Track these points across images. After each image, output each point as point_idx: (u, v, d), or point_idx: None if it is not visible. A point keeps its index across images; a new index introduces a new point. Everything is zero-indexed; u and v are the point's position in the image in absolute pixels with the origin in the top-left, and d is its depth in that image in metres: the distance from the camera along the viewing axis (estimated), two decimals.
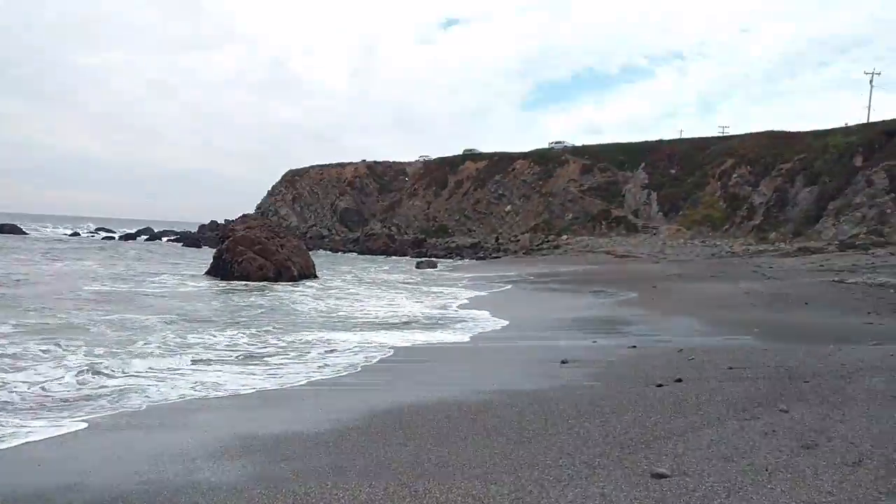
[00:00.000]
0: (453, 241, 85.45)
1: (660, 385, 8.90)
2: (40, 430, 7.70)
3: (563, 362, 11.25)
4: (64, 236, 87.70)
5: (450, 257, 70.32)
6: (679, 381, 9.08)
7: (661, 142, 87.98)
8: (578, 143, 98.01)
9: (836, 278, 26.59)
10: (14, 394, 9.40)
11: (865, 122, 66.19)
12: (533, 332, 16.61)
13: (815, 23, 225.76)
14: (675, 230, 68.96)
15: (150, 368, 11.49)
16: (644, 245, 64.25)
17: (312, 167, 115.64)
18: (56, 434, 7.54)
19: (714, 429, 6.82)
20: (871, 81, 72.42)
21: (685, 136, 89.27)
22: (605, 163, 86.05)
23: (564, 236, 75.68)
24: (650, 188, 78.12)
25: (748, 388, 8.51)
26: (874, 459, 5.64)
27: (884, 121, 60.52)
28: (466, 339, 15.99)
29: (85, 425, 7.92)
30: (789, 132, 73.18)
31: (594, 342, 14.01)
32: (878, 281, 24.38)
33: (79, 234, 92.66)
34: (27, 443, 7.25)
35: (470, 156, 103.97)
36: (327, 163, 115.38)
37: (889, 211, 49.45)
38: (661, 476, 5.55)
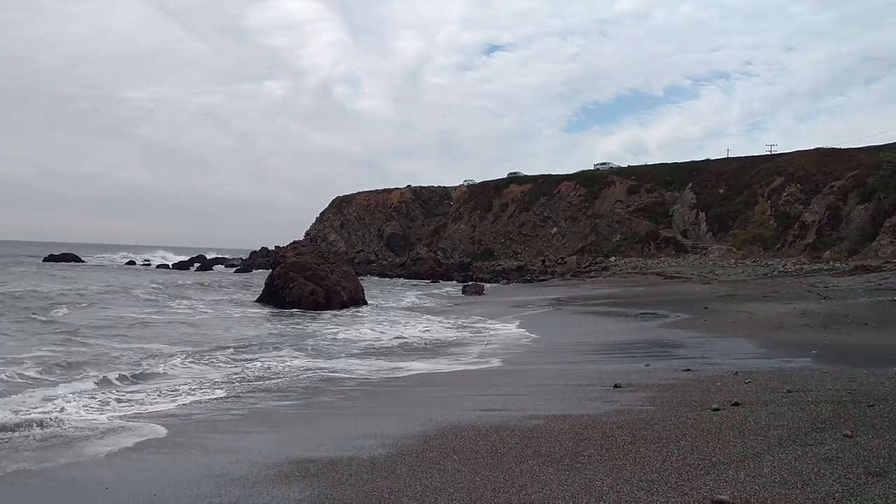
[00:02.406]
0: (499, 265, 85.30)
1: (716, 409, 8.74)
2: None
3: (616, 386, 11.13)
4: (120, 265, 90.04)
5: (496, 280, 70.16)
6: (736, 404, 8.91)
7: (708, 161, 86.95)
8: (624, 164, 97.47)
9: None
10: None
11: None
12: (583, 356, 16.48)
13: (862, 39, 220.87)
14: (725, 250, 67.81)
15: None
16: (694, 265, 63.29)
17: (359, 193, 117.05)
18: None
19: (775, 454, 6.67)
20: None
21: (732, 154, 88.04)
22: (652, 183, 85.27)
23: (612, 258, 74.99)
24: (698, 208, 77.11)
25: (809, 412, 8.31)
26: None
27: None
28: (515, 363, 15.96)
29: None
30: (839, 149, 71.76)
31: (647, 365, 13.83)
32: None
33: (134, 263, 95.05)
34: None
35: (514, 179, 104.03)
36: (374, 189, 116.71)
37: None
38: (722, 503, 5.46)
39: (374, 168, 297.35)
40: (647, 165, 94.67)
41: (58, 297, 33.02)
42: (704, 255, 68.73)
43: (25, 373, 13.42)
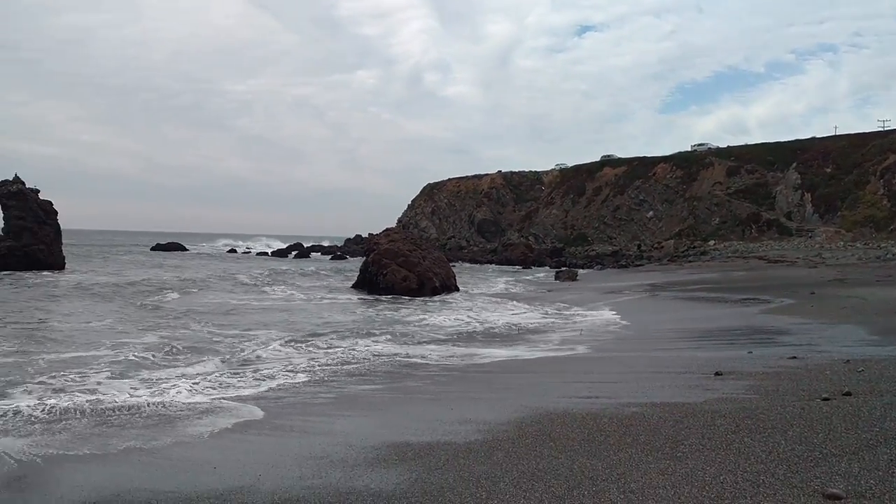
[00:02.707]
0: (593, 250, 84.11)
1: (826, 399, 8.34)
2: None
3: (717, 374, 10.79)
4: (222, 253, 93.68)
5: (590, 266, 69.18)
6: (848, 394, 8.48)
7: (813, 139, 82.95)
8: (723, 145, 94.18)
9: None
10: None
11: None
12: (679, 343, 16.04)
13: None
14: (833, 232, 64.66)
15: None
16: (799, 249, 60.58)
17: (450, 180, 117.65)
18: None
19: (892, 447, 6.31)
20: None
21: (840, 132, 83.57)
22: (753, 164, 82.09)
23: (711, 241, 72.73)
24: (803, 189, 73.78)
25: None
26: None
27: None
28: (604, 350, 15.71)
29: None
30: None
31: (749, 353, 13.34)
32: None
33: (235, 251, 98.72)
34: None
35: (608, 162, 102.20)
36: (464, 175, 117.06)
37: None
38: (835, 497, 5.20)
39: (464, 154, 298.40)
40: (747, 145, 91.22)
41: (164, 284, 34.68)
42: (810, 237, 65.73)
43: (133, 356, 14.18)
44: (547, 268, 68.92)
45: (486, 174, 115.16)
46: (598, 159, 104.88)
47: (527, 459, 6.72)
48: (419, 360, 14.50)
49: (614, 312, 24.37)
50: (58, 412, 9.41)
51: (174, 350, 15.17)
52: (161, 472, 6.83)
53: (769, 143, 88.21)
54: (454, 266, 45.36)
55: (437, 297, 31.82)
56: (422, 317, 23.58)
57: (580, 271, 56.33)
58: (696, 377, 10.85)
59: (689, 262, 61.97)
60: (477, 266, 73.57)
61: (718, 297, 28.46)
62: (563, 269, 57.81)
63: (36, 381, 11.53)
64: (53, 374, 12.14)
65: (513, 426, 8.09)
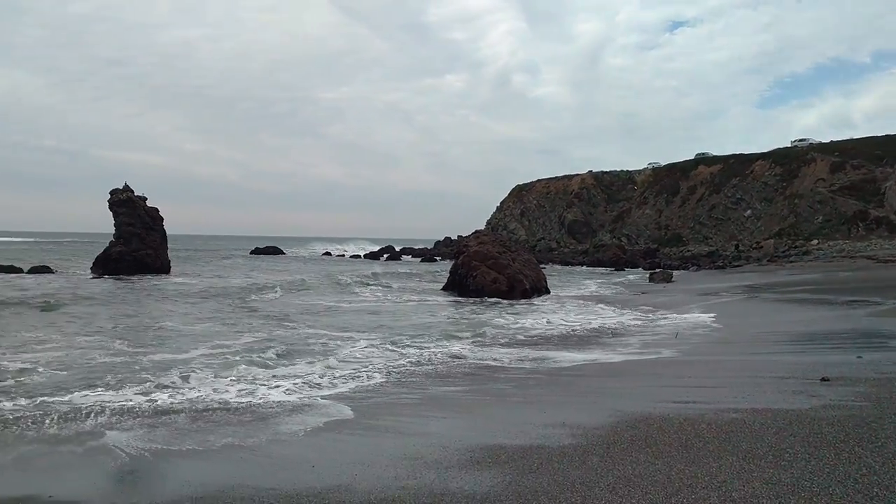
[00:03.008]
0: (688, 250, 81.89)
1: None
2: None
3: (823, 380, 10.31)
4: (316, 256, 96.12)
5: (685, 267, 67.30)
6: None
7: None
8: (825, 140, 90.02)
9: None
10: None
11: None
12: (779, 347, 15.40)
13: None
14: None
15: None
16: None
17: (539, 181, 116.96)
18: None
19: None
20: None
21: None
22: (859, 159, 78.07)
23: (814, 241, 69.57)
24: None
25: None
26: None
27: None
28: (693, 353, 15.24)
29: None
30: None
31: (859, 357, 12.68)
32: None
33: (329, 254, 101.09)
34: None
35: (703, 160, 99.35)
36: (553, 175, 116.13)
37: None
38: None
39: (553, 155, 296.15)
40: (852, 140, 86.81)
41: (261, 287, 35.85)
42: None
43: (229, 356, 14.78)
44: (640, 269, 67.50)
45: (577, 174, 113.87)
46: (691, 157, 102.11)
47: (622, 465, 6.60)
48: (500, 364, 14.46)
49: (709, 315, 23.62)
50: (160, 409, 9.93)
51: (268, 350, 15.67)
52: (261, 469, 7.06)
53: (877, 137, 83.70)
54: (544, 268, 45.02)
55: (526, 300, 31.66)
56: (508, 319, 23.50)
57: (675, 272, 54.85)
58: (799, 382, 10.40)
59: (791, 262, 59.45)
60: (567, 268, 72.80)
61: (822, 298, 27.18)
62: (657, 270, 56.45)
63: (142, 379, 12.15)
64: (157, 372, 12.77)
65: (607, 430, 7.97)
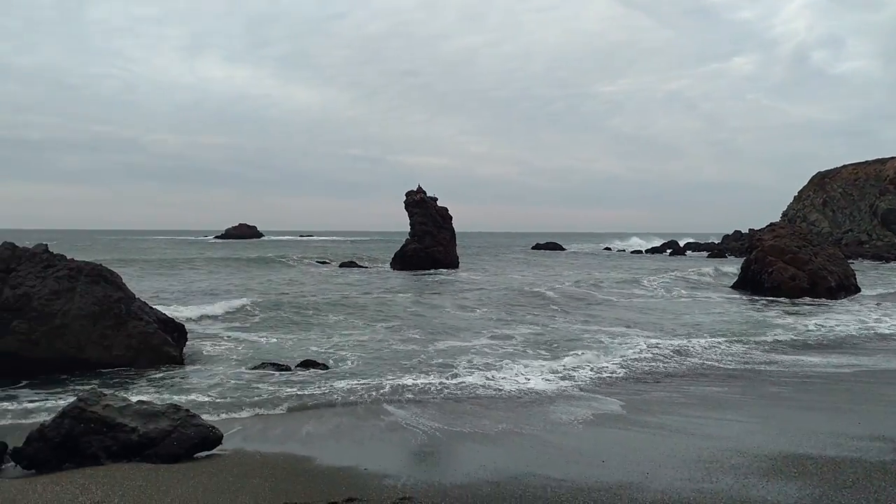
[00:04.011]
0: None
1: None
2: None
3: None
4: (596, 252, 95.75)
5: None
6: None
7: None
8: None
9: None
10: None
11: None
12: None
13: None
14: None
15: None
16: None
17: (845, 167, 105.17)
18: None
19: None
20: None
21: None
22: None
23: None
24: None
25: None
26: None
27: None
28: None
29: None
30: None
31: None
32: None
33: (609, 249, 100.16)
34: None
35: None
36: (862, 160, 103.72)
37: None
38: None
39: (861, 137, 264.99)
40: None
41: (540, 282, 36.45)
42: None
43: (506, 347, 15.44)
44: None
45: (891, 157, 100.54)
46: None
47: None
48: (770, 367, 13.28)
49: None
50: (442, 393, 10.78)
51: (539, 341, 16.04)
52: (548, 459, 7.16)
53: None
54: (852, 263, 40.38)
55: (831, 299, 28.58)
56: (802, 320, 21.39)
57: None
58: None
59: None
60: (882, 263, 64.50)
61: None
62: None
63: (429, 365, 13.17)
64: (443, 358, 13.80)
65: None
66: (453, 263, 47.99)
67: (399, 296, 26.49)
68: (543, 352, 14.81)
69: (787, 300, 27.93)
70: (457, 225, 50.02)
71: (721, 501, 5.64)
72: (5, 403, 10.10)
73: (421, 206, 48.19)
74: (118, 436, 7.15)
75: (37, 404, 10.08)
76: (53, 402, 10.02)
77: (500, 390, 11.05)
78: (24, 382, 11.42)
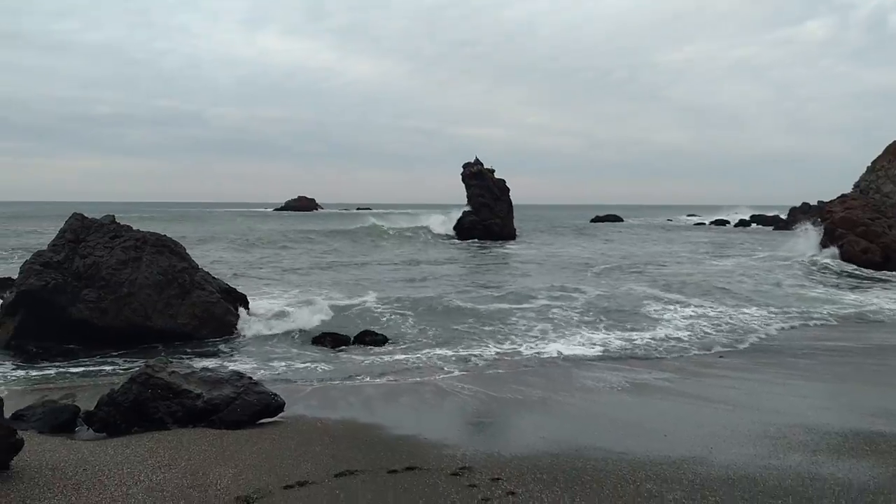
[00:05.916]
0: None
1: None
2: None
3: None
4: (659, 224, 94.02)
5: None
6: None
7: None
8: None
9: None
10: None
11: None
12: None
13: None
14: None
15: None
16: None
17: None
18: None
19: None
20: None
21: None
22: None
23: None
24: None
25: None
26: None
27: None
28: None
29: None
30: None
31: None
32: None
33: (671, 221, 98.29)
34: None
35: None
36: None
37: None
38: None
39: None
40: None
41: (597, 253, 35.95)
42: None
43: (552, 314, 15.42)
44: None
45: None
46: None
47: None
48: (842, 343, 12.85)
49: None
50: (500, 360, 10.94)
51: (600, 311, 15.80)
52: (606, 431, 7.07)
53: None
54: None
55: None
56: (870, 294, 20.60)
57: None
58: None
59: None
60: None
61: None
62: None
63: (481, 332, 13.57)
64: (496, 327, 14.11)
65: None
66: (511, 235, 47.75)
67: (451, 265, 26.52)
68: (602, 321, 14.68)
69: (859, 274, 26.95)
70: (514, 197, 49.59)
71: (789, 479, 5.46)
72: (77, 369, 10.48)
73: (478, 177, 47.95)
74: (184, 402, 7.32)
75: (108, 369, 10.43)
76: (123, 368, 10.35)
77: (557, 359, 11.17)
78: (95, 350, 11.84)
